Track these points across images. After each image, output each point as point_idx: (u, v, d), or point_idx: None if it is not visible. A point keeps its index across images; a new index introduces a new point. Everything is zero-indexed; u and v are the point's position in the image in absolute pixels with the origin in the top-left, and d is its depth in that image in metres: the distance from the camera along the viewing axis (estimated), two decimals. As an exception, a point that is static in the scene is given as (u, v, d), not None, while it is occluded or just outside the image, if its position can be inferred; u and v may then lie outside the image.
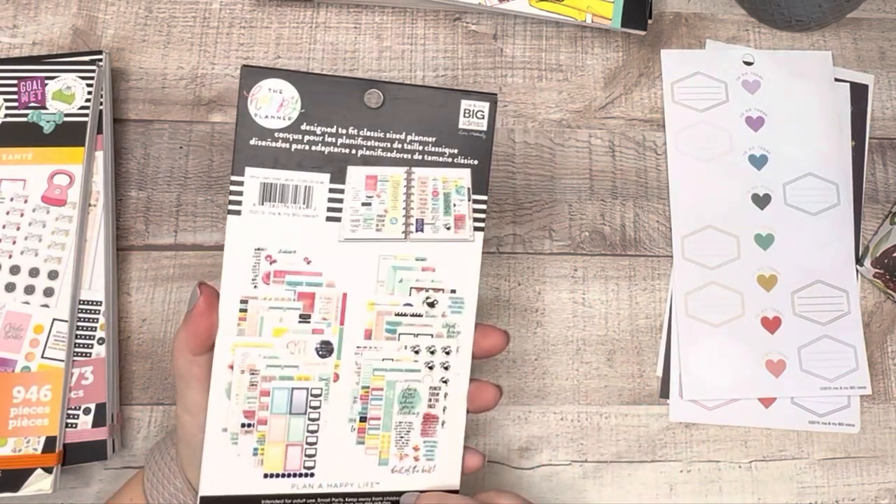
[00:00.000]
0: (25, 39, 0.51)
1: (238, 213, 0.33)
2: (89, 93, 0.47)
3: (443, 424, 0.36)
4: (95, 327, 0.45)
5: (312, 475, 0.35)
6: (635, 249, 0.50)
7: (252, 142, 0.33)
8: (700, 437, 0.48)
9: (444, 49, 0.53)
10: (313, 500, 0.35)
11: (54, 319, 0.44)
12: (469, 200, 0.36)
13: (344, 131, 0.34)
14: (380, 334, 0.35)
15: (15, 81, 0.47)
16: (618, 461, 0.47)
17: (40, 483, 0.41)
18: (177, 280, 0.48)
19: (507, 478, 0.47)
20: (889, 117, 0.53)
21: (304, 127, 0.34)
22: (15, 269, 0.44)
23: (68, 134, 0.46)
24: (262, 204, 0.34)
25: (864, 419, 0.48)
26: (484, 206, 0.36)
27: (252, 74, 0.33)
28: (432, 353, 0.36)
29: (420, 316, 0.36)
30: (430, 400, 0.36)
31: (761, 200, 0.51)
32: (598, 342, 0.49)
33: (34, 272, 0.44)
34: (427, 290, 0.36)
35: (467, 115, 0.35)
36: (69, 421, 0.43)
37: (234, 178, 0.33)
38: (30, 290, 0.44)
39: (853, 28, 0.54)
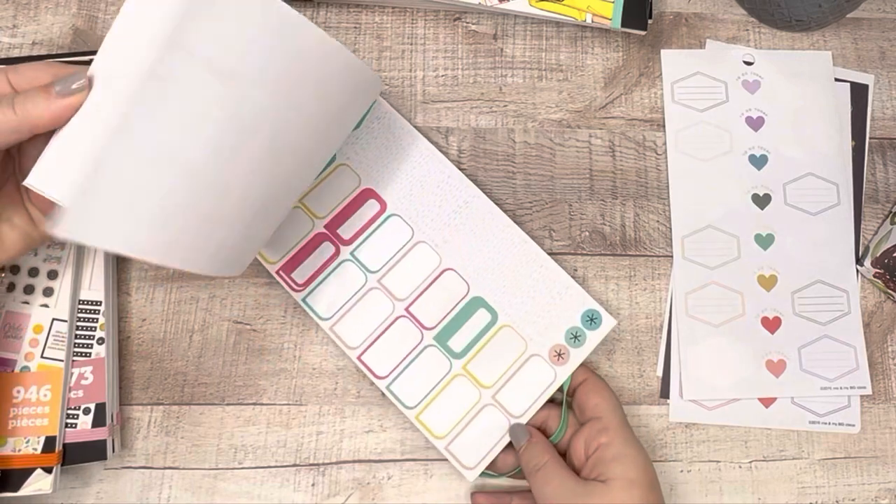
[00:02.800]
0: (25, 39, 0.51)
1: None
2: (89, 93, 0.47)
3: None
4: (95, 327, 0.45)
5: None
6: (635, 249, 0.50)
7: None
8: (700, 437, 0.48)
9: (444, 49, 0.53)
10: None
11: (54, 319, 0.44)
12: None
13: None
14: None
15: (15, 81, 0.47)
16: (618, 461, 0.47)
17: (40, 483, 0.41)
18: (177, 280, 0.48)
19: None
20: (889, 117, 0.53)
21: None
22: (14, 269, 0.44)
23: (68, 134, 0.46)
24: None
25: (864, 419, 0.48)
26: None
27: None
28: None
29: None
30: None
31: (761, 200, 0.51)
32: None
33: (34, 272, 0.44)
34: None
35: None
36: (69, 421, 0.43)
37: None
38: (29, 289, 0.44)
39: (853, 28, 0.54)
